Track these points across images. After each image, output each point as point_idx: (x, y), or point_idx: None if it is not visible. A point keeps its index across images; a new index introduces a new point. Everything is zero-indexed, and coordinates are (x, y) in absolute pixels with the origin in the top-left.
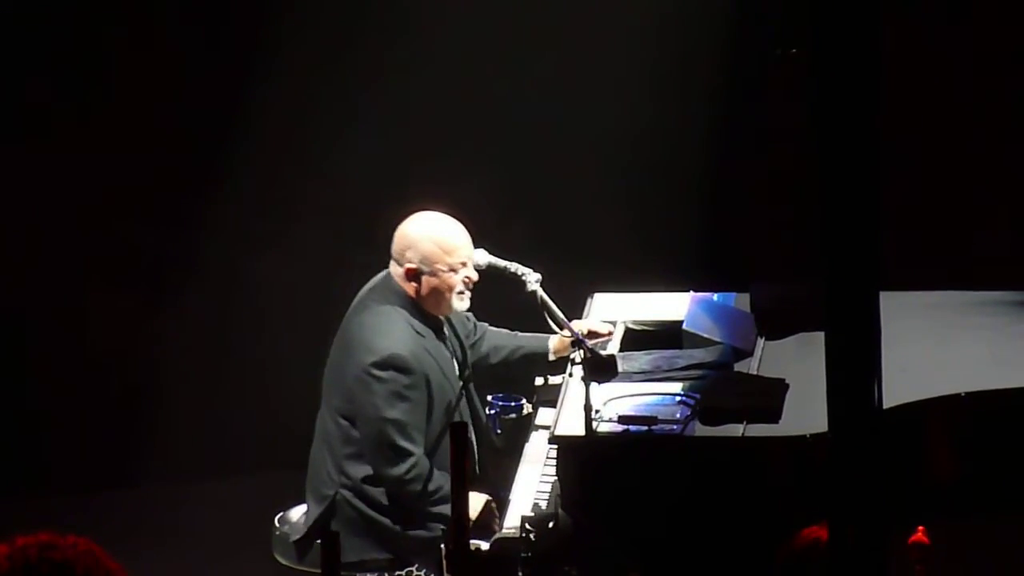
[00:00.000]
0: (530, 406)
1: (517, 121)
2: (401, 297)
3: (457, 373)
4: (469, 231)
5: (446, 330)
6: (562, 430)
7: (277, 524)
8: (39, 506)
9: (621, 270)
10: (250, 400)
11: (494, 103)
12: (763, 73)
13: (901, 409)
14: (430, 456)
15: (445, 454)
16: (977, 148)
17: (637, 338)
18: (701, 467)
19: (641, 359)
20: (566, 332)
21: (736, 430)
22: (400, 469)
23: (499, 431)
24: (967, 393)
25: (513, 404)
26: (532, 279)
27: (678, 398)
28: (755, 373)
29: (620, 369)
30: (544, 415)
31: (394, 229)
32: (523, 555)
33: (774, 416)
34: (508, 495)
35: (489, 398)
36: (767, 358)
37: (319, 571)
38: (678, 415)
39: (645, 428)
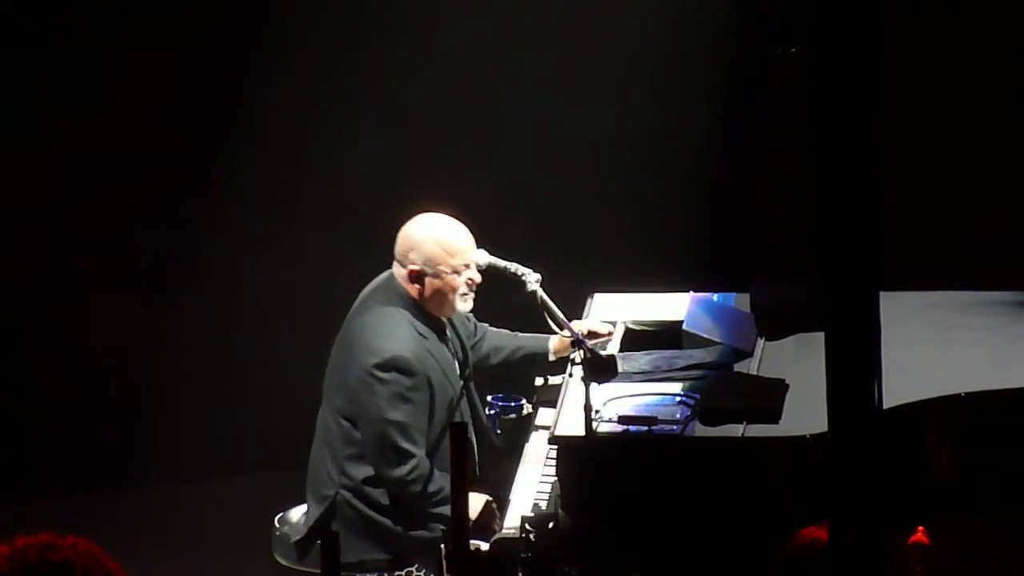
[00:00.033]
0: (530, 406)
1: (517, 121)
2: (404, 298)
3: (458, 374)
4: (469, 231)
5: (448, 331)
6: (562, 430)
7: (277, 524)
8: (39, 506)
9: (621, 270)
10: (250, 400)
11: (494, 103)
12: (763, 73)
13: (901, 409)
14: (431, 457)
15: (446, 455)
16: (977, 148)
17: (637, 338)
18: (701, 467)
19: (641, 359)
20: (566, 332)
21: (736, 430)
22: (402, 470)
23: (499, 431)
24: (967, 393)
25: (513, 404)
26: (532, 279)
27: (678, 398)
28: (755, 373)
29: (620, 369)
30: (544, 415)
31: (394, 229)
32: (523, 555)
33: (774, 416)
34: (508, 495)
35: (489, 398)
36: (767, 358)
37: (319, 571)
38: (678, 415)
39: (645, 428)
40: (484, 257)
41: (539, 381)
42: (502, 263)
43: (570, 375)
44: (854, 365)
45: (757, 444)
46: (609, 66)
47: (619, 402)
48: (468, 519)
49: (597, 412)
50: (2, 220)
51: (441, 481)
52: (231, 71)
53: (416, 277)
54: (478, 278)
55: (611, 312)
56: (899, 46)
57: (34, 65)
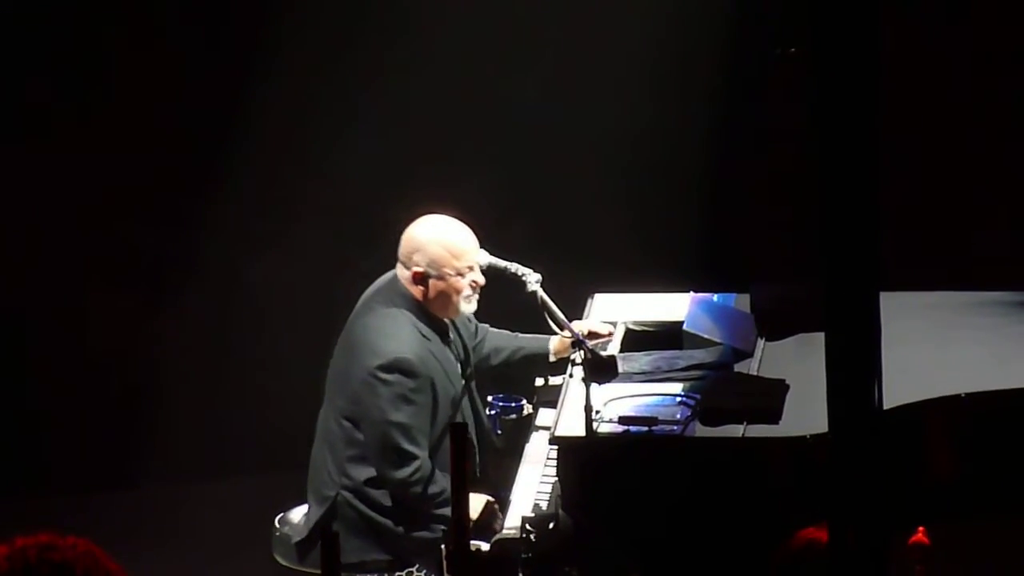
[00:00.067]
0: (530, 407)
1: (517, 121)
2: (407, 300)
3: (460, 376)
4: (473, 233)
5: (451, 333)
6: (562, 431)
7: (277, 525)
8: (39, 506)
9: (621, 271)
10: (250, 400)
11: (494, 103)
12: (763, 73)
13: (901, 410)
14: (433, 458)
15: (448, 456)
16: (977, 148)
17: (637, 339)
18: (701, 468)
19: (641, 360)
20: (566, 333)
21: (736, 431)
22: (404, 472)
23: (499, 432)
24: (967, 394)
25: (513, 405)
26: (532, 280)
27: (678, 399)
28: (755, 374)
29: (620, 370)
30: (544, 416)
31: (395, 229)
32: (523, 556)
33: (774, 417)
34: (508, 496)
35: (489, 399)
36: (767, 359)
37: (319, 572)
38: (678, 416)
39: (645, 429)
40: (484, 257)
41: (539, 382)
42: (502, 263)
43: (570, 376)
44: (854, 365)
45: (757, 444)
46: (609, 66)
47: (619, 403)
48: (469, 519)
49: (597, 413)
50: (2, 220)
51: (443, 482)
52: (231, 71)
53: (420, 279)
54: (482, 280)
55: (611, 312)
56: (899, 46)
57: (34, 65)
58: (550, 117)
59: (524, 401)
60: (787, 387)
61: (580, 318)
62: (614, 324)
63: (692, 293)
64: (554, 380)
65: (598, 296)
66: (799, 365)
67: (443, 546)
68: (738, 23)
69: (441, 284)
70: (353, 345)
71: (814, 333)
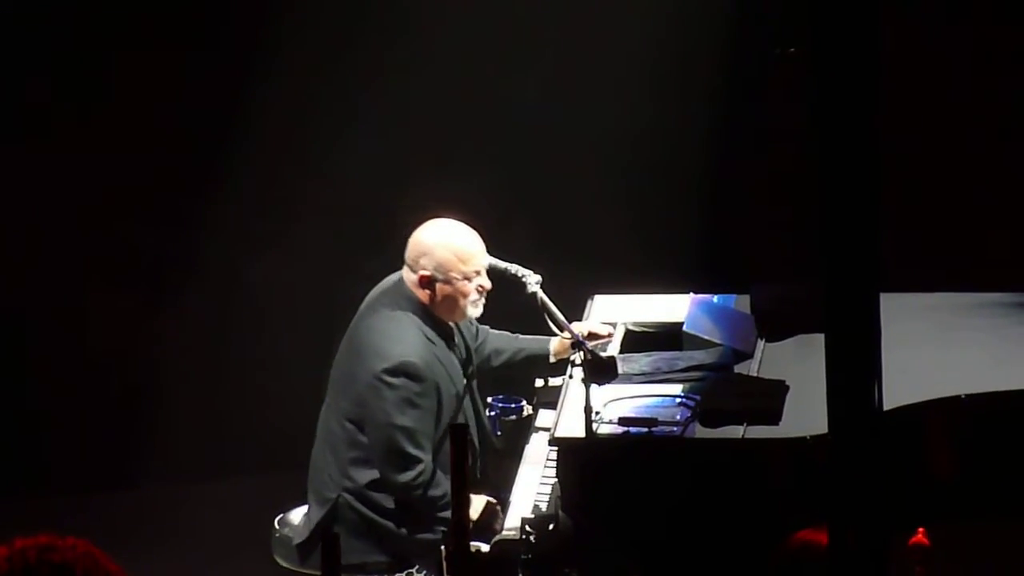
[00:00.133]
0: (530, 408)
1: (517, 121)
2: (413, 303)
3: (464, 378)
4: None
5: (456, 337)
6: (562, 432)
7: (277, 526)
8: (39, 506)
9: (621, 272)
10: (250, 400)
11: (494, 103)
12: (763, 73)
13: (901, 411)
14: (436, 462)
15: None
16: (977, 148)
17: (637, 340)
18: (701, 469)
19: (641, 361)
20: (566, 334)
21: (736, 432)
22: (408, 476)
23: (499, 432)
24: (967, 395)
25: (513, 406)
26: (532, 281)
27: (678, 400)
28: (755, 375)
29: (620, 371)
30: (544, 417)
31: (395, 230)
32: (523, 557)
33: (774, 418)
34: (508, 497)
35: (489, 400)
36: (767, 360)
37: (319, 573)
38: (678, 417)
39: (645, 430)
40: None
41: (539, 383)
42: (502, 264)
43: (570, 377)
44: (854, 366)
45: (757, 446)
46: (609, 66)
47: (619, 404)
48: (469, 520)
49: (597, 414)
50: (2, 220)
51: (446, 485)
52: (231, 71)
53: (427, 283)
54: (488, 284)
55: (611, 314)
56: (899, 46)
57: (34, 65)
58: (550, 117)
59: (524, 402)
60: (787, 388)
61: (580, 319)
62: (614, 325)
63: (692, 294)
64: (554, 381)
65: (598, 297)
66: (799, 366)
67: (443, 547)
68: (738, 23)
69: (448, 288)
70: (358, 347)
71: (814, 334)
